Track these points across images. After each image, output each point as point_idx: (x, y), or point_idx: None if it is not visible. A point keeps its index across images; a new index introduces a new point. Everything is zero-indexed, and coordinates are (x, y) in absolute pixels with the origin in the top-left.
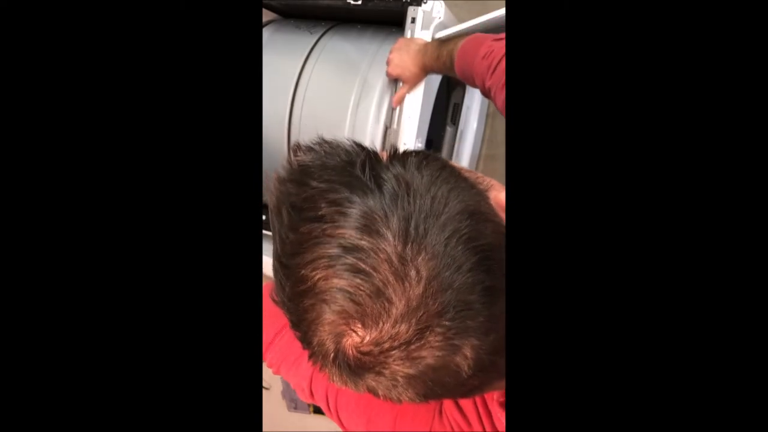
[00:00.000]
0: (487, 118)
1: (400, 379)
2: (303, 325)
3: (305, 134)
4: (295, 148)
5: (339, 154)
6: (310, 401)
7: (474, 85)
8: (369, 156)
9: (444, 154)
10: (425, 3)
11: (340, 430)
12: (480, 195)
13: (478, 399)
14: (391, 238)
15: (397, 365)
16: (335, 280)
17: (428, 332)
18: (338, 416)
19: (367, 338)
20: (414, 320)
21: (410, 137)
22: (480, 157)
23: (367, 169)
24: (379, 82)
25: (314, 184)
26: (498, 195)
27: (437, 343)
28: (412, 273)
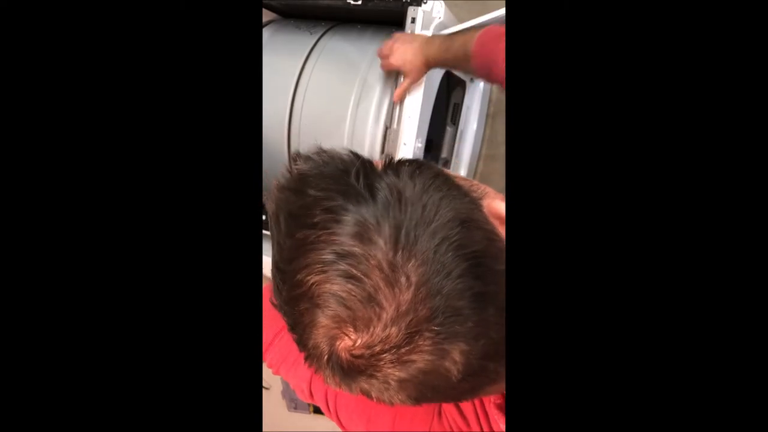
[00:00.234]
0: (487, 118)
1: (392, 382)
2: (299, 328)
3: (305, 134)
4: (294, 157)
5: (335, 164)
6: (309, 401)
7: (492, 78)
8: (364, 165)
9: (444, 153)
10: (425, 3)
11: (339, 430)
12: (472, 203)
13: (476, 400)
14: (382, 245)
15: (389, 368)
16: (328, 285)
17: (418, 336)
18: (338, 416)
19: (359, 342)
20: (404, 324)
21: (410, 137)
22: (480, 157)
23: (361, 178)
24: (379, 82)
25: (311, 192)
26: (491, 203)
27: (427, 348)
28: (402, 279)
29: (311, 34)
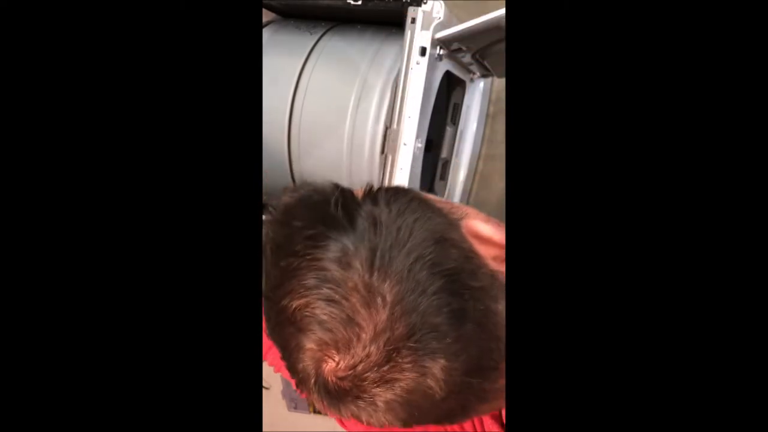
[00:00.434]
0: (487, 118)
1: (379, 403)
2: (287, 353)
3: (305, 134)
4: (284, 190)
5: (317, 195)
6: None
7: None
8: (344, 195)
9: (444, 153)
10: (425, 3)
11: (340, 429)
12: (449, 223)
13: (475, 419)
14: (359, 268)
15: (374, 389)
16: (311, 310)
17: (396, 354)
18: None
19: (342, 364)
20: (382, 342)
21: (410, 137)
22: (480, 157)
23: (340, 208)
24: (379, 82)
25: (294, 222)
26: (470, 223)
27: (407, 365)
28: (378, 299)
29: (311, 34)
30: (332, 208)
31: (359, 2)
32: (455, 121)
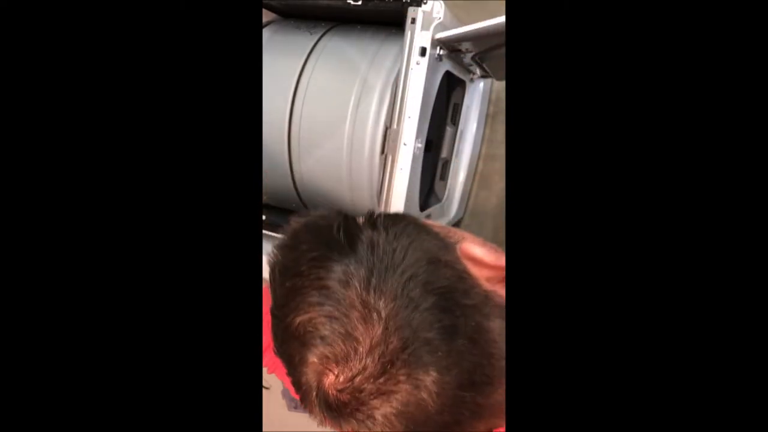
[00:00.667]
0: (487, 118)
1: (377, 416)
2: (291, 368)
3: (305, 134)
4: (290, 218)
5: (323, 221)
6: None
7: None
8: (346, 221)
9: (444, 153)
10: (425, 3)
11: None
12: (444, 245)
13: None
14: (357, 287)
15: (371, 401)
16: (313, 325)
17: (391, 366)
18: None
19: (341, 377)
20: (377, 355)
21: (410, 137)
22: (480, 157)
23: (342, 232)
24: (379, 82)
25: (300, 246)
26: (464, 245)
27: (402, 377)
28: (374, 315)
29: (311, 34)
30: (335, 233)
31: (359, 2)
32: (455, 121)
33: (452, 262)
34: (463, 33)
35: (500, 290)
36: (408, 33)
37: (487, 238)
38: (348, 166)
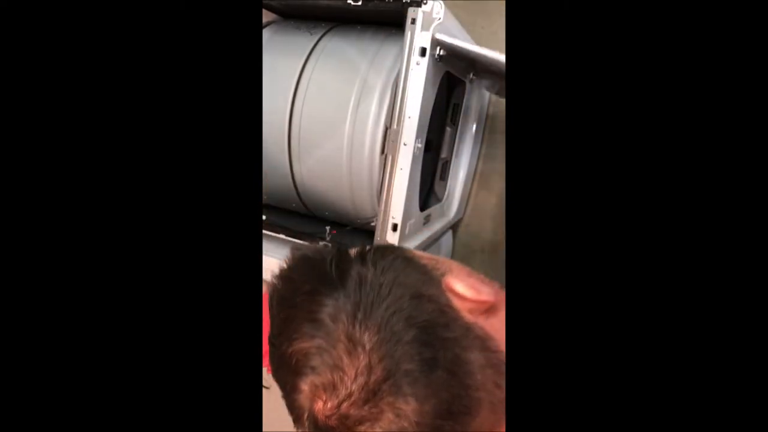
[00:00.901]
0: (486, 118)
1: None
2: (285, 393)
3: (305, 135)
4: (291, 249)
5: (317, 254)
6: None
7: None
8: (339, 255)
9: (444, 154)
10: (425, 4)
11: None
12: (427, 280)
13: None
14: (344, 321)
15: (357, 427)
16: (305, 356)
17: (375, 395)
18: None
19: (329, 404)
20: (362, 384)
21: (410, 138)
22: (480, 157)
23: (334, 267)
24: (379, 82)
25: (297, 279)
26: (448, 280)
27: (385, 406)
28: (359, 348)
29: (311, 34)
30: (328, 267)
31: (359, 3)
32: (455, 121)
33: (435, 296)
34: (464, 51)
35: (482, 322)
36: (408, 33)
37: (486, 238)
38: (348, 166)
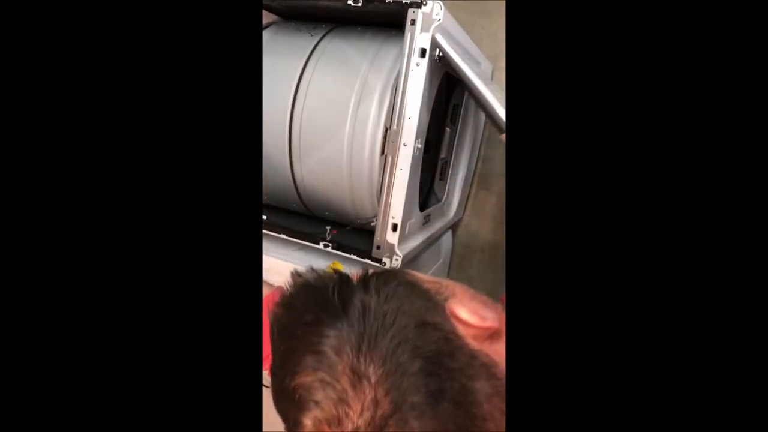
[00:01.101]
0: (486, 119)
1: None
2: (288, 426)
3: (306, 136)
4: (292, 274)
5: (318, 281)
6: None
7: None
8: (341, 281)
9: (443, 154)
10: (425, 5)
11: None
12: (432, 306)
13: None
14: (349, 352)
15: None
16: (307, 390)
17: (382, 431)
18: None
19: None
20: (369, 418)
21: (410, 138)
22: (479, 157)
23: (336, 295)
24: (379, 83)
25: (297, 307)
26: (452, 306)
27: None
28: (365, 381)
29: (311, 35)
30: (330, 295)
31: (359, 4)
32: (455, 122)
33: (440, 324)
34: (464, 78)
35: (486, 348)
36: (408, 34)
37: (486, 238)
38: (348, 167)
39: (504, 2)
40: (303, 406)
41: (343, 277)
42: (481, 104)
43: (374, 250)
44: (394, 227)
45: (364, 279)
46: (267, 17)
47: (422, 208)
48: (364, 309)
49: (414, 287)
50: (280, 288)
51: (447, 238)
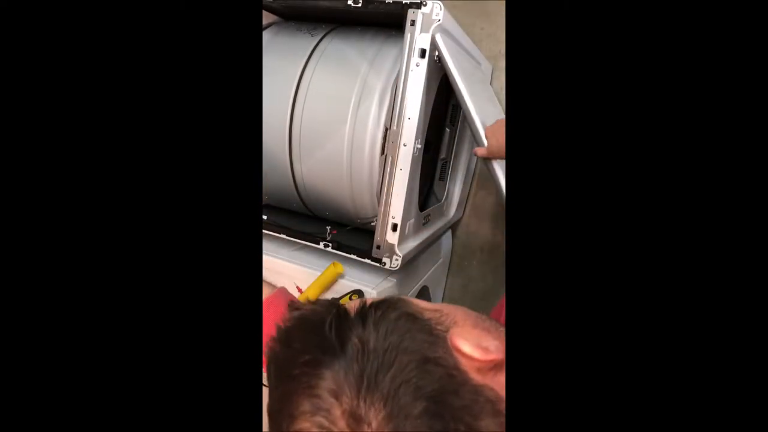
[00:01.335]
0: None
1: None
2: None
3: (306, 136)
4: (288, 306)
5: (315, 316)
6: None
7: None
8: (338, 316)
9: (443, 154)
10: (425, 5)
11: None
12: (434, 341)
13: None
14: (348, 394)
15: None
16: None
17: None
18: None
19: None
20: None
21: (410, 138)
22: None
23: (333, 331)
24: (379, 84)
25: (293, 345)
26: (455, 339)
27: None
28: (365, 426)
29: (312, 36)
30: (327, 331)
31: (359, 4)
32: (454, 122)
33: (442, 359)
34: (452, 79)
35: (490, 381)
36: (408, 35)
37: (486, 238)
38: (348, 167)
39: (504, 2)
40: None
41: (339, 311)
42: (464, 114)
43: (374, 250)
44: (394, 227)
45: (362, 312)
46: (267, 18)
47: (422, 208)
48: (363, 346)
49: (414, 319)
50: (282, 290)
51: (447, 238)
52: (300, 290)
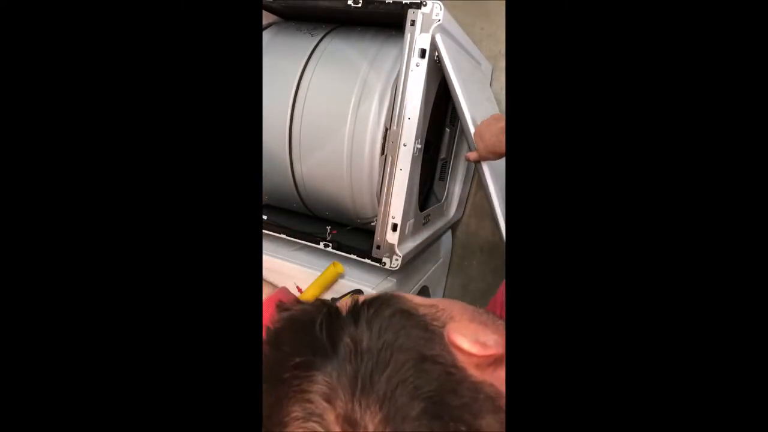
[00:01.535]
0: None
1: None
2: None
3: (306, 136)
4: (278, 307)
5: (305, 316)
6: None
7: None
8: (329, 316)
9: (443, 154)
10: (425, 5)
11: None
12: (430, 337)
13: None
14: (342, 397)
15: None
16: None
17: None
18: None
19: None
20: None
21: (410, 138)
22: None
23: (324, 331)
24: (379, 84)
25: (283, 347)
26: (452, 335)
27: None
28: (361, 430)
29: (312, 36)
30: (318, 332)
31: (360, 4)
32: (454, 122)
33: (439, 356)
34: (450, 82)
35: (489, 376)
36: (408, 35)
37: (486, 238)
38: (348, 167)
39: (504, 3)
40: None
41: (330, 310)
42: (459, 117)
43: (374, 250)
44: (394, 227)
45: (354, 310)
46: (267, 18)
47: (422, 208)
48: (356, 346)
49: (409, 316)
50: (283, 289)
51: (447, 238)
52: (300, 290)
